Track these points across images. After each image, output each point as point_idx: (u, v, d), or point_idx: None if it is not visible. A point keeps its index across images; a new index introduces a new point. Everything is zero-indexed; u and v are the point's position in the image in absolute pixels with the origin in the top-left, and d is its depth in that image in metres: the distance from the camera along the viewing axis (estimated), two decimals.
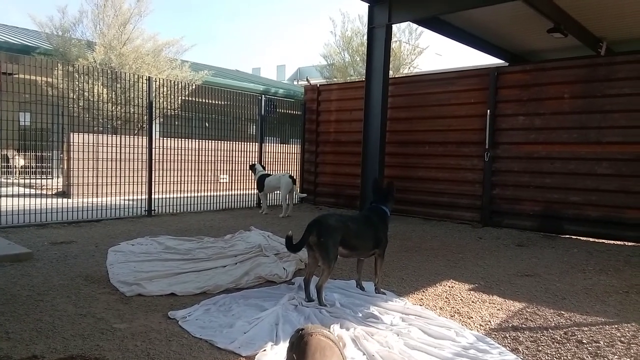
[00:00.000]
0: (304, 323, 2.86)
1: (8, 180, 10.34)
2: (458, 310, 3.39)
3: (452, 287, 3.98)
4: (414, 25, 14.90)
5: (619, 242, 6.22)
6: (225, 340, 2.64)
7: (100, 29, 11.50)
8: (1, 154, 10.64)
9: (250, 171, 8.58)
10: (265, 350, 2.51)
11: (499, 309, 3.42)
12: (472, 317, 3.24)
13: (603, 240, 6.33)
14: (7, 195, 6.54)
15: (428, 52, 16.89)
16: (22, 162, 10.93)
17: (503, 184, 7.26)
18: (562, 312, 3.37)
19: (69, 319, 2.91)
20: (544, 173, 6.85)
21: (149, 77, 7.70)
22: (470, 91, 7.58)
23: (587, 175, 6.50)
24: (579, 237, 6.53)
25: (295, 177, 8.26)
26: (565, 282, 4.22)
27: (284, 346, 2.53)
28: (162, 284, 3.65)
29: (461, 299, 3.64)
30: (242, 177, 9.38)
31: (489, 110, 7.25)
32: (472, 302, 3.58)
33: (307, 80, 11.18)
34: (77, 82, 9.78)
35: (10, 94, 6.28)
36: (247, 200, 9.05)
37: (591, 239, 6.42)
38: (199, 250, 4.84)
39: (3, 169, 10.92)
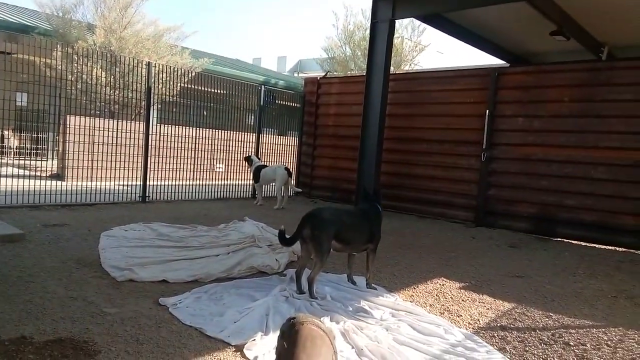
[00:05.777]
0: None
1: (2, 161, 10.26)
2: (448, 308, 3.40)
3: (443, 285, 3.99)
4: (417, 22, 14.81)
5: (610, 247, 6.26)
6: (215, 329, 2.65)
7: (101, 12, 11.38)
8: None
9: (245, 162, 8.56)
10: (254, 340, 2.51)
11: (488, 309, 3.44)
12: (461, 316, 3.25)
13: (595, 245, 6.36)
14: (0, 176, 6.49)
15: (430, 49, 16.84)
16: (16, 143, 10.84)
17: (499, 184, 7.27)
18: (551, 314, 3.39)
19: (59, 301, 2.90)
20: (540, 175, 6.87)
21: (149, 62, 7.65)
22: (470, 90, 7.57)
23: (583, 179, 6.53)
24: (571, 241, 6.57)
25: (291, 170, 8.25)
26: (556, 284, 4.24)
27: (273, 336, 2.54)
28: (154, 271, 3.64)
29: (451, 297, 3.66)
30: (238, 167, 9.34)
31: (488, 111, 7.25)
32: (462, 300, 3.60)
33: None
34: (75, 64, 9.69)
35: (7, 73, 6.22)
36: (242, 190, 9.03)
37: (583, 243, 6.45)
38: (192, 238, 4.83)
39: None
